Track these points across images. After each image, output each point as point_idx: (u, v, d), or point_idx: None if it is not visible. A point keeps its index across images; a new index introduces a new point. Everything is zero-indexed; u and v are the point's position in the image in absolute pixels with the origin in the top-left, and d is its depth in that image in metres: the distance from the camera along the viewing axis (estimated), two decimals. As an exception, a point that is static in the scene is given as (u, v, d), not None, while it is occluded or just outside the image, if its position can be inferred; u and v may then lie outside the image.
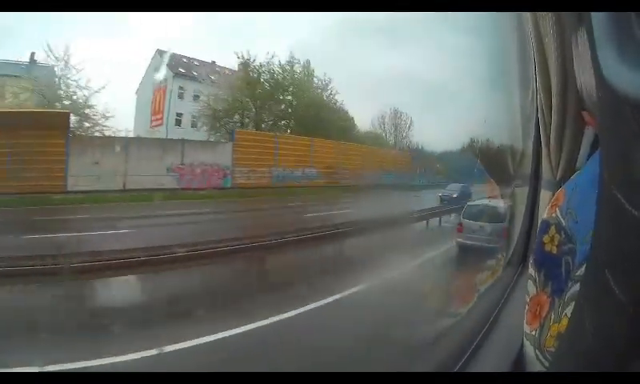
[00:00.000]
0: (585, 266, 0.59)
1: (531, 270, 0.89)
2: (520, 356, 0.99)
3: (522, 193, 1.99)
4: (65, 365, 2.99)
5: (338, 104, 15.89)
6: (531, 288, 0.87)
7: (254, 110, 14.14)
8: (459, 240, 7.05)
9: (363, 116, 17.38)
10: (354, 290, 5.24)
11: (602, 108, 0.51)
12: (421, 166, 15.70)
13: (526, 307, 0.89)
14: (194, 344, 3.66)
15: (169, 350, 3.53)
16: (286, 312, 4.44)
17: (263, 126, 14.59)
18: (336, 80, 15.16)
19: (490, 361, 1.04)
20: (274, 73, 14.58)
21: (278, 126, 15.03)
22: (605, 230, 0.50)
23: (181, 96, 13.35)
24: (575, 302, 0.65)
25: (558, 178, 1.41)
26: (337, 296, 5.00)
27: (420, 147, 16.80)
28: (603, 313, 0.45)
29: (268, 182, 12.97)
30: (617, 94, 0.39)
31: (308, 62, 15.30)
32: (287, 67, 14.79)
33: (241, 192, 11.89)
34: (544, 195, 1.55)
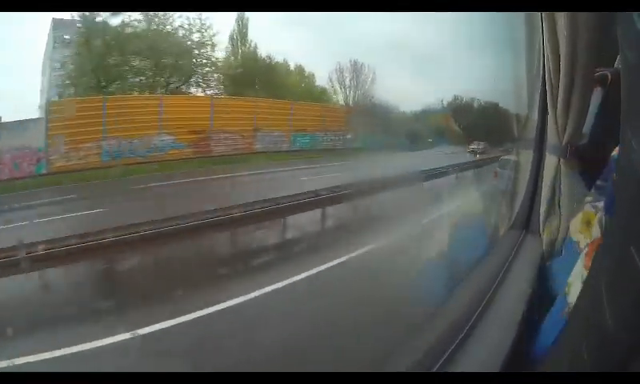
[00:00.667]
0: (605, 235, 0.57)
1: (597, 212, 0.90)
2: (523, 324, 1.00)
3: (526, 156, 1.95)
4: None
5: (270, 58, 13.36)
6: (595, 231, 0.89)
7: (89, 69, 11.52)
8: (495, 184, 8.26)
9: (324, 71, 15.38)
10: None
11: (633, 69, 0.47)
12: (367, 125, 12.40)
13: (585, 250, 0.91)
14: None
15: None
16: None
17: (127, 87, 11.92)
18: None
19: (494, 331, 1.05)
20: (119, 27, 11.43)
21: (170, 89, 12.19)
22: (629, 199, 0.47)
23: (64, 67, 11.51)
24: (590, 271, 0.64)
25: (564, 143, 1.38)
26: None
27: (378, 103, 13.86)
28: (623, 293, 0.43)
29: (97, 160, 10.54)
30: None
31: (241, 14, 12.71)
32: (149, 16, 11.72)
33: (55, 179, 9.48)
34: (549, 160, 1.53)
